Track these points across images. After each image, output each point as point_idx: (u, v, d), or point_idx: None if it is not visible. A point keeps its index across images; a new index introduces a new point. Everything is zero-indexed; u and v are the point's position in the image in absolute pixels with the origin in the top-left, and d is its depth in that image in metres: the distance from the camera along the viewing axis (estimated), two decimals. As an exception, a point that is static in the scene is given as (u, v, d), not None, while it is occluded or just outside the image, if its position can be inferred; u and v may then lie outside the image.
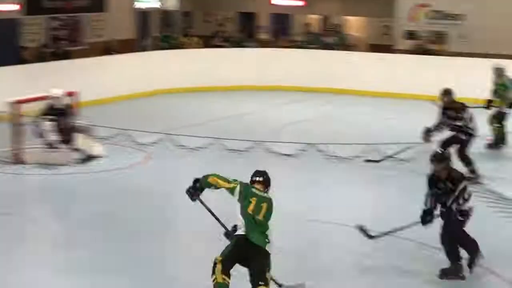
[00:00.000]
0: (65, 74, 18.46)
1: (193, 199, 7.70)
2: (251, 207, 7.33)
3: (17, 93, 14.54)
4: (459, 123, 12.65)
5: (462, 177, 8.70)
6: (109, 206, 11.15)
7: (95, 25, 25.29)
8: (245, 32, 27.47)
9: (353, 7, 26.27)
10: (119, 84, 20.35)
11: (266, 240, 7.31)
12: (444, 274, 8.58)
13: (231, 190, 7.42)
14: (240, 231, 7.33)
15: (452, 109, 12.66)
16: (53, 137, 13.75)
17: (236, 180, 7.45)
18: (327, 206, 11.35)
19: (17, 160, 13.94)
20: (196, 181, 7.62)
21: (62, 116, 14.01)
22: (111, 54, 22.56)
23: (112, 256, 9.09)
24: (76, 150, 13.83)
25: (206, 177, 7.55)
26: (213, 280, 7.15)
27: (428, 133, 12.72)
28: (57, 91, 14.03)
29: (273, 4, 27.39)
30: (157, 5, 27.27)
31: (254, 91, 21.89)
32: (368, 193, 12.25)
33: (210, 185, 7.54)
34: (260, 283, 7.15)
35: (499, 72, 15.08)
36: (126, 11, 26.04)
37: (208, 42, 25.83)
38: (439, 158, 8.69)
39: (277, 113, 19.31)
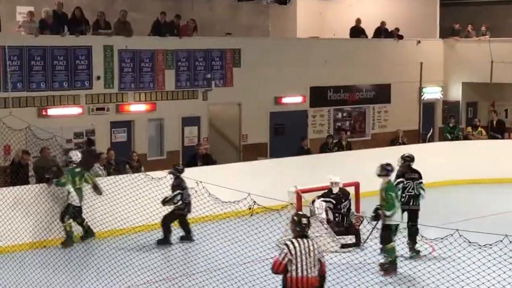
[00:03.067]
0: (347, 165, 18.60)
1: None
2: None
3: (300, 182, 14.86)
4: None
5: None
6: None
7: (379, 116, 25.48)
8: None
9: None
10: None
11: None
12: None
13: None
14: None
15: None
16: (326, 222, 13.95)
17: None
18: None
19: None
20: None
21: (338, 202, 14.24)
22: (397, 144, 22.44)
23: None
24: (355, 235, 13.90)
25: None
26: None
27: None
28: (334, 178, 14.24)
29: None
30: (440, 96, 27.00)
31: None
32: None
33: None
34: None
35: None
36: (411, 102, 25.99)
37: (494, 132, 24.99)
38: None
39: None
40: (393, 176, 13.82)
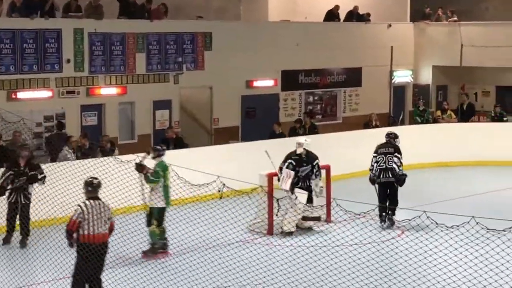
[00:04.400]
0: (318, 148, 18.65)
1: None
2: None
3: (270, 166, 14.91)
4: None
5: None
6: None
7: (351, 100, 25.59)
8: (503, 106, 26.46)
9: None
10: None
11: None
12: None
13: None
14: None
15: None
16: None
17: None
18: None
19: (270, 230, 14.22)
20: None
21: (299, 164, 14.29)
22: (370, 127, 22.55)
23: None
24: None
25: None
26: None
27: None
28: (302, 139, 14.31)
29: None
30: (410, 79, 27.15)
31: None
32: None
33: None
34: None
35: None
36: (382, 85, 26.12)
37: (463, 116, 25.20)
38: None
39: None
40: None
